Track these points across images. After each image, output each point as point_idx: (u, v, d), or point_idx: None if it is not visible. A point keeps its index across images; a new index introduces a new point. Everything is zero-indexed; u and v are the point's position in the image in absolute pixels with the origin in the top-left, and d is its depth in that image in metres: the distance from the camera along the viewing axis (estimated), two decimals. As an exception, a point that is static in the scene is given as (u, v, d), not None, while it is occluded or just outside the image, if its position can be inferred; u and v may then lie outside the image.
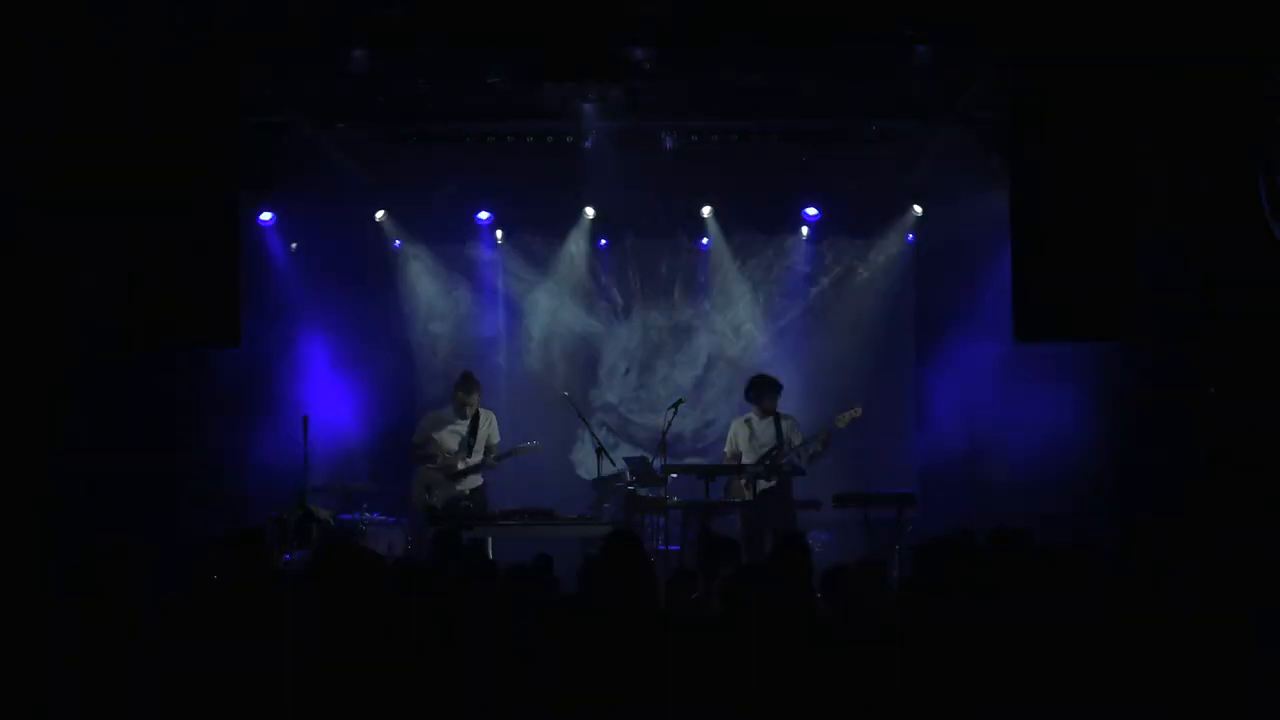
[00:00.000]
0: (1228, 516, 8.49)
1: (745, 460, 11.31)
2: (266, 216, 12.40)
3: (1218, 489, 8.82)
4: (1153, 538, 5.56)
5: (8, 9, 8.08)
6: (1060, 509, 11.38)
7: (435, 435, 11.37)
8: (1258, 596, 4.80)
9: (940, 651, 4.65)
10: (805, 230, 13.28)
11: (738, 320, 13.59)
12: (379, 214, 12.93)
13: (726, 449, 11.68)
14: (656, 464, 11.02)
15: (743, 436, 11.53)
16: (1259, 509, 8.39)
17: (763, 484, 11.20)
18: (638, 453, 12.05)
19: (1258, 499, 8.54)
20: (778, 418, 11.45)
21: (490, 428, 11.48)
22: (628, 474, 11.18)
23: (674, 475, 11.10)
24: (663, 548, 10.90)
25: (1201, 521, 8.63)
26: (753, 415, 11.58)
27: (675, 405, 11.03)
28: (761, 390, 11.56)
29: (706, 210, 13.14)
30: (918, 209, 13.02)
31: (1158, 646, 4.48)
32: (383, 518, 10.83)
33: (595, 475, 11.33)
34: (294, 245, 12.79)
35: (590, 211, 13.14)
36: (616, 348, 13.63)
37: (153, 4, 8.59)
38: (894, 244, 13.33)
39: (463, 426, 11.36)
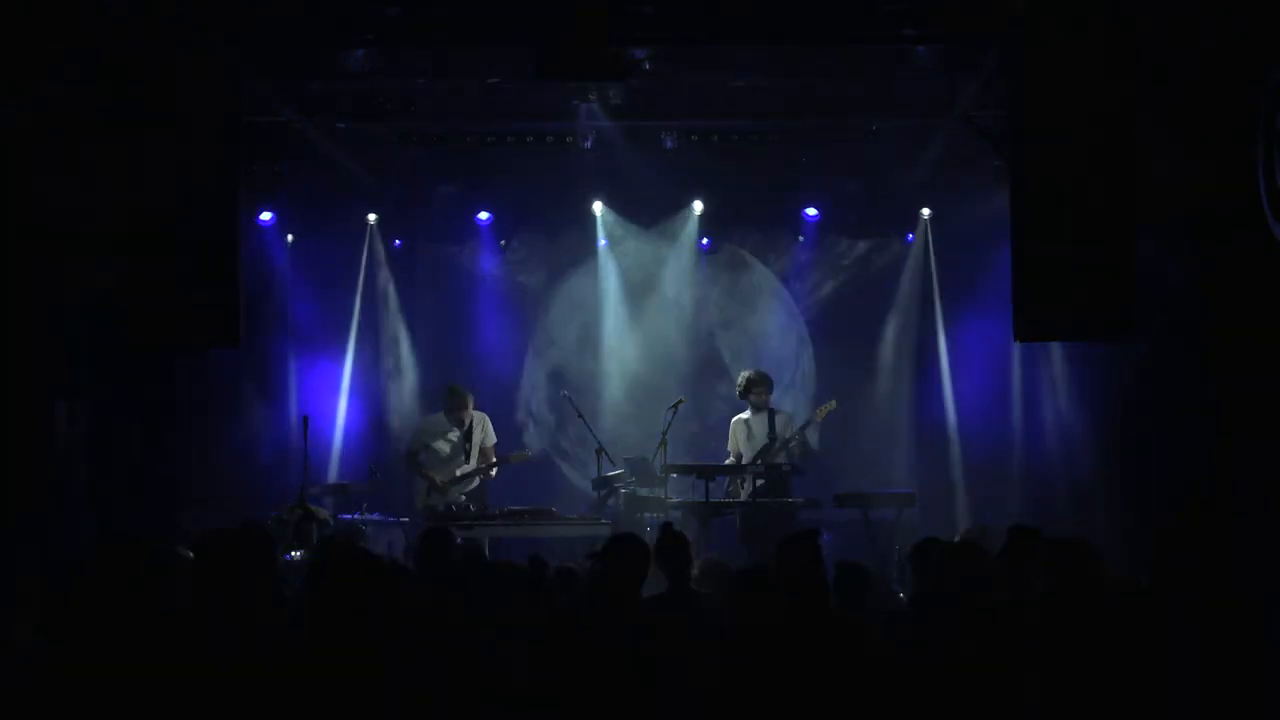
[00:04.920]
0: (1230, 516, 8.49)
1: (745, 459, 11.28)
2: (266, 216, 12.40)
3: (1219, 488, 8.81)
4: (1154, 536, 5.57)
5: (8, 9, 8.08)
6: (1061, 508, 11.41)
7: (430, 443, 11.32)
8: (1265, 596, 4.80)
9: (946, 651, 4.64)
10: (805, 230, 13.26)
11: (737, 319, 13.57)
12: (371, 217, 12.92)
13: (729, 447, 11.65)
14: (656, 464, 11.00)
15: (741, 434, 11.49)
16: (1261, 509, 8.39)
17: (758, 483, 11.16)
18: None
19: (1259, 498, 8.54)
20: (772, 414, 11.41)
21: (484, 431, 11.42)
22: (628, 474, 11.16)
23: (674, 475, 11.07)
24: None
25: (1203, 520, 8.62)
26: (749, 412, 11.55)
27: (675, 405, 11.01)
28: (749, 386, 11.52)
29: (705, 209, 13.11)
30: (918, 209, 13.02)
31: (1161, 647, 4.48)
32: (382, 518, 10.81)
33: (595, 475, 11.31)
34: (290, 238, 12.80)
35: (590, 211, 13.13)
36: (616, 347, 13.61)
37: (153, 3, 8.58)
38: (894, 244, 13.33)
39: (456, 433, 11.31)
